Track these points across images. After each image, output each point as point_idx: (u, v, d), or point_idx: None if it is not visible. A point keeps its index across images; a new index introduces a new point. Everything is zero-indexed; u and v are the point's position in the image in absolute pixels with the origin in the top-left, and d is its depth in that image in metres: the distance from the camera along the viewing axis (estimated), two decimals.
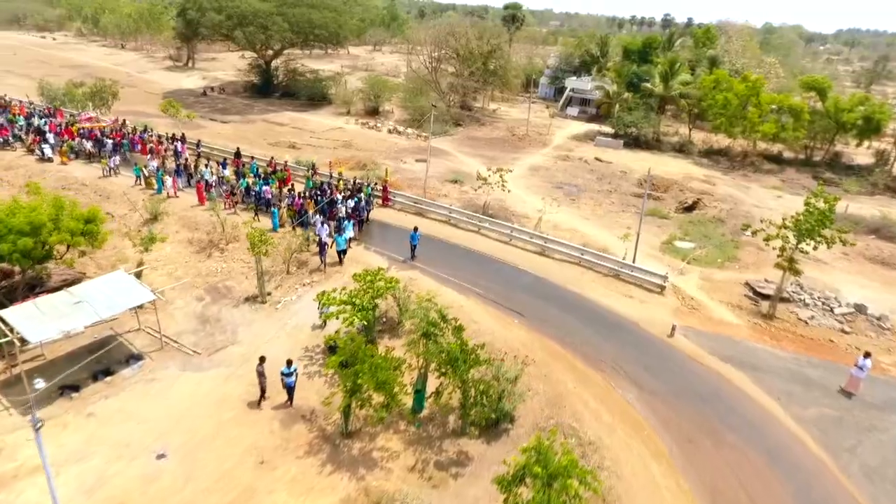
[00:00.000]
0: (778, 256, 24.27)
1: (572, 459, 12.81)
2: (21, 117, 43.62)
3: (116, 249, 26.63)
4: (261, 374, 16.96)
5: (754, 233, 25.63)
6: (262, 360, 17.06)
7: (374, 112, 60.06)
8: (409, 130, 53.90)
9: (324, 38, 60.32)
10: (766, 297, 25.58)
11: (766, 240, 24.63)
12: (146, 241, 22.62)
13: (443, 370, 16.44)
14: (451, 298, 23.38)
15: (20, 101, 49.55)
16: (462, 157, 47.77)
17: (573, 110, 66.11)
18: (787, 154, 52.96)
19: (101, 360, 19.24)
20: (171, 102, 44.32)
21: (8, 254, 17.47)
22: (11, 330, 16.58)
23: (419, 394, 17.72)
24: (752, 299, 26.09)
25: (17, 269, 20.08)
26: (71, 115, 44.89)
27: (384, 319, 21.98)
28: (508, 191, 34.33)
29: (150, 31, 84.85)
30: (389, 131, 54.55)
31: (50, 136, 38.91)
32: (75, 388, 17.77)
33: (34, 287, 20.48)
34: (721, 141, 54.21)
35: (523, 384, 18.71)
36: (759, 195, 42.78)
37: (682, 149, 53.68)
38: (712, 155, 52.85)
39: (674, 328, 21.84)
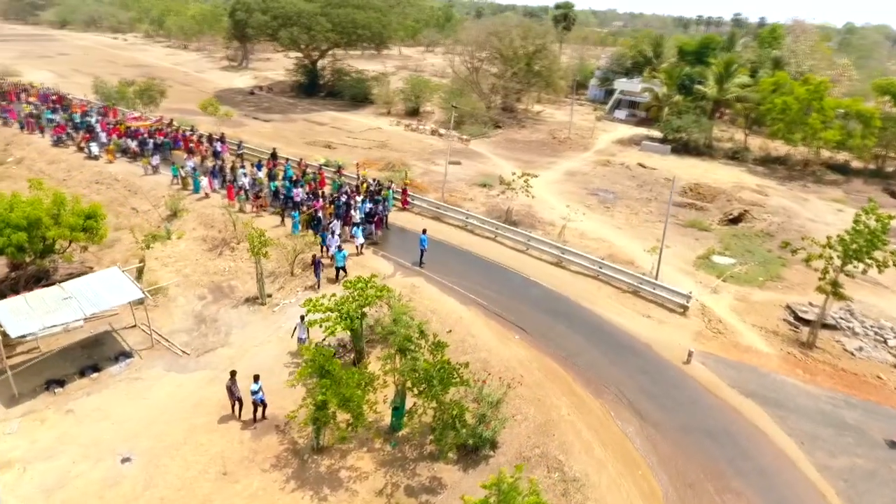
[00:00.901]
0: (820, 279, 21.74)
1: (538, 503, 11.53)
2: (77, 115, 45.44)
3: (135, 244, 27.08)
4: (229, 390, 16.35)
5: (794, 251, 23.07)
6: (233, 374, 16.43)
7: (414, 113, 59.58)
8: (446, 132, 52.93)
9: (367, 38, 60.28)
10: (808, 322, 23.06)
11: (807, 260, 22.16)
12: (148, 239, 22.76)
13: (417, 389, 15.37)
14: (450, 309, 22.32)
15: (80, 100, 51.92)
16: (496, 160, 46.44)
17: (621, 113, 63.32)
18: (856, 164, 48.54)
19: (91, 355, 19.39)
20: (210, 101, 45.25)
21: (2, 247, 17.80)
22: None
23: (397, 411, 16.73)
24: (791, 325, 23.59)
25: (27, 261, 20.57)
26: (122, 114, 46.56)
27: (380, 329, 21.11)
28: (532, 196, 32.77)
29: (211, 33, 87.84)
30: (431, 132, 53.78)
31: (102, 135, 40.13)
32: (61, 383, 17.88)
33: (40, 279, 20.92)
34: (780, 148, 50.34)
35: (513, 407, 17.44)
36: (817, 208, 39.23)
37: (735, 156, 50.19)
38: (769, 163, 49.14)
39: (690, 354, 19.84)
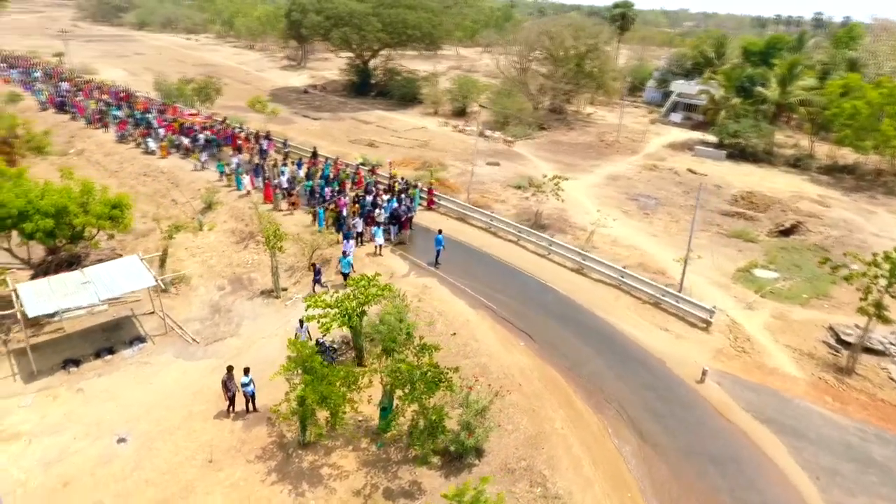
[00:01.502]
0: (861, 299, 19.88)
1: None
2: (138, 111, 47.99)
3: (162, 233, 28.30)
4: (224, 385, 16.64)
5: (834, 268, 21.19)
6: (230, 369, 16.67)
7: (461, 113, 59.36)
8: (493, 132, 52.36)
9: (417, 38, 60.59)
10: (850, 346, 21.16)
11: (847, 279, 20.31)
12: (171, 230, 23.68)
13: (400, 392, 15.14)
14: (459, 311, 21.96)
15: (144, 97, 54.93)
16: (537, 162, 45.53)
17: (677, 116, 60.63)
18: None
19: (109, 338, 20.35)
20: (258, 98, 46.76)
21: (31, 232, 19.00)
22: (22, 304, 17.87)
23: (384, 412, 16.56)
24: (831, 348, 21.73)
25: (59, 246, 21.90)
26: (181, 111, 48.87)
27: (369, 328, 20.96)
28: (562, 199, 31.82)
29: (273, 33, 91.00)
30: (479, 133, 53.19)
31: (160, 131, 42.11)
32: (76, 362, 18.85)
33: (71, 264, 22.21)
34: (848, 156, 46.67)
35: (505, 416, 16.94)
36: (885, 222, 36.08)
37: (798, 163, 46.95)
38: (835, 172, 45.62)
39: (704, 372, 18.59)
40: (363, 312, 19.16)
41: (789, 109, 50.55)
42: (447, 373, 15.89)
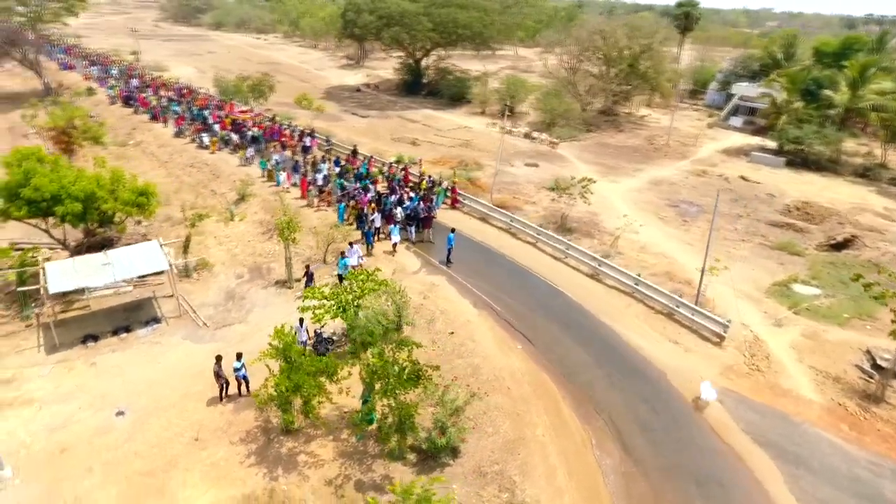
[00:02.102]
0: (893, 321, 18.20)
1: None
2: (196, 108, 50.33)
3: (186, 221, 29.49)
4: (217, 374, 17.27)
5: (866, 286, 19.48)
6: (219, 359, 17.17)
7: (509, 112, 58.81)
8: (539, 133, 51.56)
9: (468, 38, 60.55)
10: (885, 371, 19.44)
11: (877, 298, 18.65)
12: (194, 218, 24.85)
13: (373, 385, 15.24)
14: (461, 311, 21.85)
15: (205, 93, 57.70)
16: (578, 164, 44.48)
17: (737, 121, 57.54)
18: None
19: (129, 317, 21.61)
20: (304, 95, 48.17)
21: (62, 215, 20.49)
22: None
23: (366, 405, 16.70)
24: (864, 373, 20.08)
25: (90, 228, 23.54)
26: (237, 107, 51.06)
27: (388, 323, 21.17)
28: (589, 203, 30.95)
29: (335, 33, 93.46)
30: (524, 135, 52.55)
31: (216, 127, 43.84)
32: (95, 338, 20.14)
33: (104, 246, 23.77)
34: None
35: (487, 419, 16.74)
36: None
37: (867, 173, 43.51)
38: None
39: (696, 400, 17.51)
40: (359, 306, 19.41)
41: (861, 115, 46.80)
42: (426, 370, 15.88)
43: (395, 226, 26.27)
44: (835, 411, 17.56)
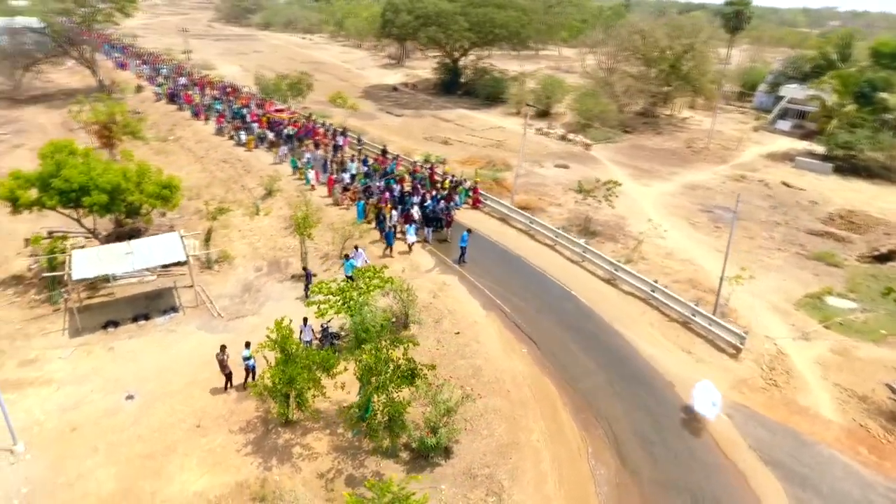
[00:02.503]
0: None
1: None
2: (236, 106, 51.46)
3: (206, 213, 30.36)
4: (221, 363, 17.68)
5: None
6: (223, 348, 17.64)
7: (544, 114, 58.14)
8: (574, 135, 50.63)
9: (504, 37, 60.10)
10: None
11: None
12: (214, 213, 25.53)
13: (366, 381, 15.28)
14: (469, 311, 21.69)
15: (247, 92, 59.17)
16: (610, 167, 43.51)
17: (785, 124, 55.01)
18: None
19: (149, 306, 22.42)
20: (339, 94, 48.85)
21: (89, 205, 21.45)
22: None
23: (368, 401, 16.75)
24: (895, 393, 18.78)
25: (120, 219, 24.56)
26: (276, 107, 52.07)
27: (394, 319, 21.24)
28: (613, 206, 30.20)
29: (373, 33, 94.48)
30: (560, 137, 51.61)
31: (254, 126, 44.23)
32: (115, 324, 21.01)
33: (132, 236, 24.76)
34: None
35: (483, 421, 16.54)
36: None
37: None
38: None
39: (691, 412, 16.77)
40: (365, 302, 19.52)
41: None
42: (421, 369, 15.82)
43: (411, 225, 26.27)
44: (855, 433, 16.52)
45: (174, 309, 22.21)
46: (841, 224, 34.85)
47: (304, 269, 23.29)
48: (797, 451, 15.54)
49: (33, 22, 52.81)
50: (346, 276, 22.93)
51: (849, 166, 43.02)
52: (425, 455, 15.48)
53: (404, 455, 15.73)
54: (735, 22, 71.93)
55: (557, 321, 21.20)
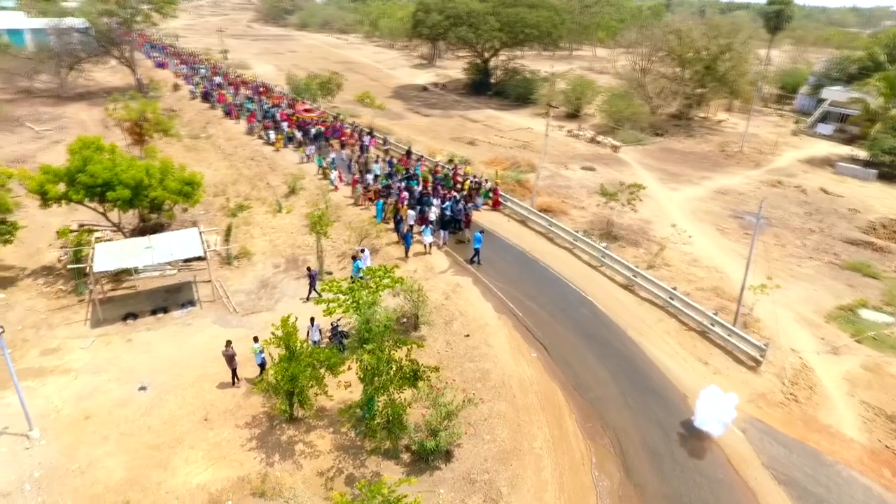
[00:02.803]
0: None
1: None
2: (266, 105, 52.13)
3: (253, 211, 31.12)
4: (228, 357, 17.91)
5: None
6: (229, 343, 17.92)
7: (574, 115, 57.33)
8: (604, 137, 49.74)
9: (535, 37, 59.51)
10: None
11: None
12: (235, 210, 25.93)
13: (368, 380, 15.24)
14: (481, 314, 21.46)
15: (279, 91, 59.95)
16: (639, 170, 42.57)
17: (826, 128, 52.84)
18: None
19: (168, 299, 22.94)
20: (367, 93, 49.13)
21: (112, 200, 22.08)
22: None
23: (369, 402, 16.73)
24: None
25: (144, 213, 25.24)
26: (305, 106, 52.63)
27: (405, 319, 21.20)
28: (636, 210, 29.50)
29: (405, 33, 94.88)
30: (590, 140, 50.71)
31: (284, 125, 44.63)
32: (135, 316, 21.56)
33: (155, 230, 25.39)
34: None
35: (487, 426, 16.34)
36: None
37: None
38: None
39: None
40: (374, 302, 19.50)
41: None
42: (424, 370, 15.72)
43: (427, 226, 26.14)
44: (879, 454, 15.66)
45: (192, 303, 22.66)
46: (883, 233, 33.27)
47: (308, 269, 23.32)
48: (814, 471, 14.81)
49: (78, 23, 54.83)
50: (352, 278, 22.93)
51: (894, 173, 41.06)
52: (426, 458, 15.36)
53: (405, 457, 15.65)
54: (776, 21, 69.45)
55: (570, 326, 20.79)
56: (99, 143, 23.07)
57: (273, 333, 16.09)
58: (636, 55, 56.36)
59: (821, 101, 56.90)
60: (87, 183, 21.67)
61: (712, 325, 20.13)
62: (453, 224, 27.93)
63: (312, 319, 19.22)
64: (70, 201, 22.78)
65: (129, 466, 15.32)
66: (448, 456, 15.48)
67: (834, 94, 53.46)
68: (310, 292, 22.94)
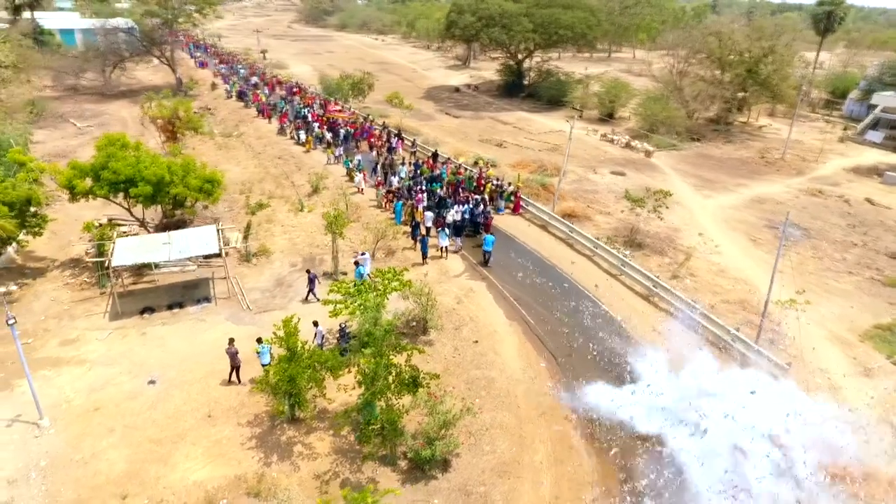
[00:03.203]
0: None
1: None
2: (299, 105, 52.51)
3: (275, 210, 31.44)
4: (231, 355, 17.98)
5: None
6: (232, 341, 18.00)
7: (608, 118, 56.13)
8: (639, 141, 48.49)
9: (569, 39, 58.50)
10: None
11: None
12: (254, 208, 26.18)
13: (366, 385, 15.03)
14: (492, 320, 21.10)
15: (313, 92, 60.50)
16: (672, 176, 41.32)
17: (876, 135, 50.18)
18: None
19: (184, 294, 23.31)
20: (396, 94, 49.19)
21: (134, 195, 22.60)
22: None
23: (368, 406, 16.55)
24: None
25: (168, 210, 25.79)
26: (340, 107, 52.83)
27: (414, 323, 20.95)
28: (661, 218, 28.50)
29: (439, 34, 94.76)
30: (624, 145, 49.46)
31: (314, 125, 44.69)
32: (152, 310, 21.97)
33: (178, 226, 25.90)
34: None
35: (488, 436, 15.95)
36: None
37: None
38: None
39: None
40: (380, 304, 19.29)
41: None
42: (424, 377, 15.44)
43: (443, 229, 25.81)
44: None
45: (207, 299, 22.96)
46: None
47: (308, 271, 23.02)
48: None
49: (121, 23, 56.78)
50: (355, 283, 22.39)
51: None
52: (422, 466, 15.06)
53: (403, 464, 15.40)
54: (826, 23, 66.37)
55: (584, 336, 20.15)
56: (124, 140, 23.67)
57: (274, 333, 16.05)
58: (673, 57, 54.67)
59: (872, 106, 54.08)
60: (110, 179, 22.24)
61: (733, 341, 19.17)
62: (472, 227, 27.55)
63: (316, 323, 19.14)
64: (95, 196, 23.41)
65: (131, 459, 15.53)
66: (446, 465, 15.15)
67: (886, 99, 50.75)
68: (308, 294, 22.71)
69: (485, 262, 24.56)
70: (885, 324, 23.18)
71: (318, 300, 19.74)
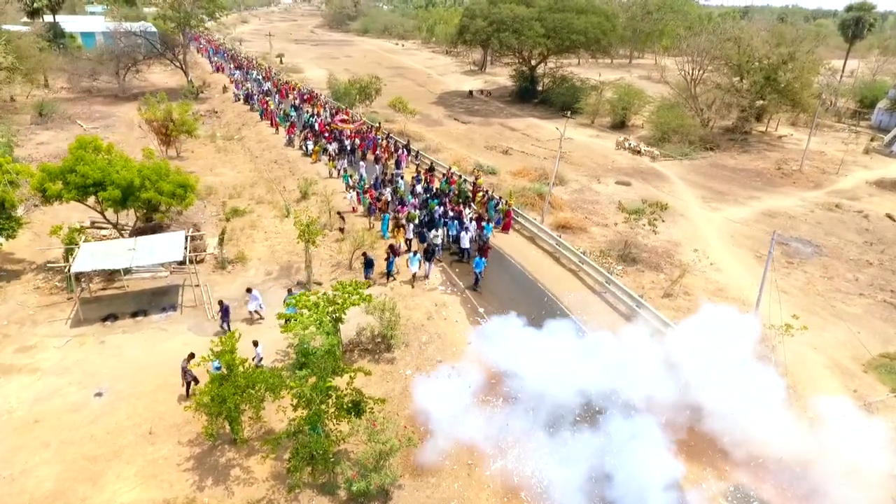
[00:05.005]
0: None
1: None
2: (307, 114, 51.32)
3: (260, 216, 30.87)
4: (184, 370, 17.27)
5: None
6: (191, 356, 17.22)
7: (620, 125, 54.54)
8: (651, 149, 46.77)
9: (582, 44, 57.03)
10: None
11: None
12: (229, 213, 25.55)
13: (301, 408, 14.07)
14: (460, 338, 19.95)
15: (325, 99, 59.49)
16: (680, 186, 39.63)
17: None
18: None
19: (151, 301, 22.73)
20: (399, 99, 48.42)
21: (103, 199, 22.15)
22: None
23: (314, 430, 15.58)
24: None
25: (143, 215, 25.32)
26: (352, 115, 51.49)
27: (378, 339, 19.93)
28: (656, 231, 26.99)
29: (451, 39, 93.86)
30: (635, 152, 47.71)
31: (322, 136, 43.13)
32: (115, 317, 21.43)
33: (154, 230, 25.38)
34: None
35: (433, 468, 14.77)
36: None
37: None
38: None
39: None
40: (339, 319, 18.39)
41: None
42: (367, 402, 14.45)
43: (415, 254, 23.81)
44: None
45: (173, 307, 22.35)
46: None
47: (249, 290, 21.96)
48: None
49: (136, 26, 57.41)
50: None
51: None
52: (362, 497, 14.02)
53: (342, 493, 14.38)
54: (855, 30, 63.46)
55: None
56: (97, 142, 23.31)
57: (211, 350, 15.22)
58: (687, 63, 52.79)
59: None
60: (77, 182, 21.83)
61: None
62: (460, 252, 25.81)
63: (256, 343, 18.33)
64: (62, 200, 23.05)
65: (61, 478, 14.85)
66: (386, 495, 14.09)
67: None
68: (222, 324, 20.92)
69: (475, 285, 23.16)
70: (894, 353, 21.33)
71: (228, 331, 17.62)
